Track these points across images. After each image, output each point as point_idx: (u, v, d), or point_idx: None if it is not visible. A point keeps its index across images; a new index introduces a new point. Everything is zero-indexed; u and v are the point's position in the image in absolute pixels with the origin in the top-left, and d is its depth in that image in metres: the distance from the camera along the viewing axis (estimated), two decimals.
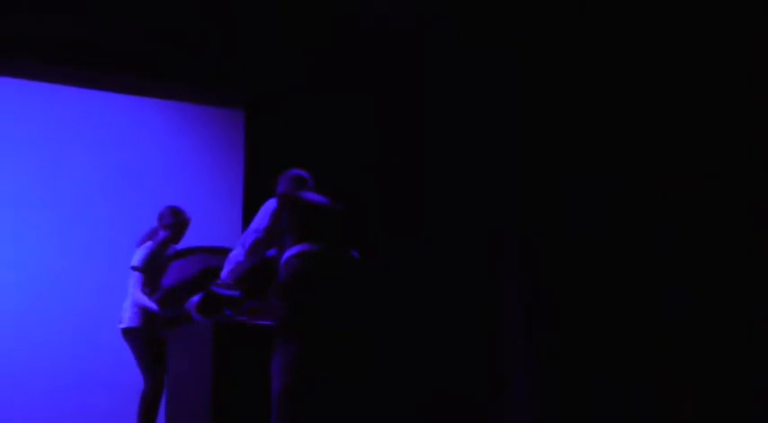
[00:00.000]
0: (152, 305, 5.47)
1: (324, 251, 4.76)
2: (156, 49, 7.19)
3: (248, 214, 7.42)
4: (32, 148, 7.01)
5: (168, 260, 5.55)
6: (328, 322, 4.71)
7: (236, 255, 4.90)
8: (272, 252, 5.00)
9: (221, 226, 7.40)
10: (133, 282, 5.57)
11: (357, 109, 7.65)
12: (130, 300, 5.64)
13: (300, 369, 4.62)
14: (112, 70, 7.24)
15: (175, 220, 5.74)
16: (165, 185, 7.37)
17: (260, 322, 5.00)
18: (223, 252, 5.12)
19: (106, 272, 6.81)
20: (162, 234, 5.74)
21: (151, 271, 5.60)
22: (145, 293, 5.58)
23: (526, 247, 7.34)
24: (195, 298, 4.95)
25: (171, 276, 5.40)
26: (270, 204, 5.06)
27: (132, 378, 5.72)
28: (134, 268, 5.60)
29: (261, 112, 7.64)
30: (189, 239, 6.92)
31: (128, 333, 5.64)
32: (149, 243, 5.72)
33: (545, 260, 7.20)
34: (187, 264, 5.36)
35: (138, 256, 5.65)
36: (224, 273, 4.91)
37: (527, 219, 7.34)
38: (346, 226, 5.01)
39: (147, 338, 5.56)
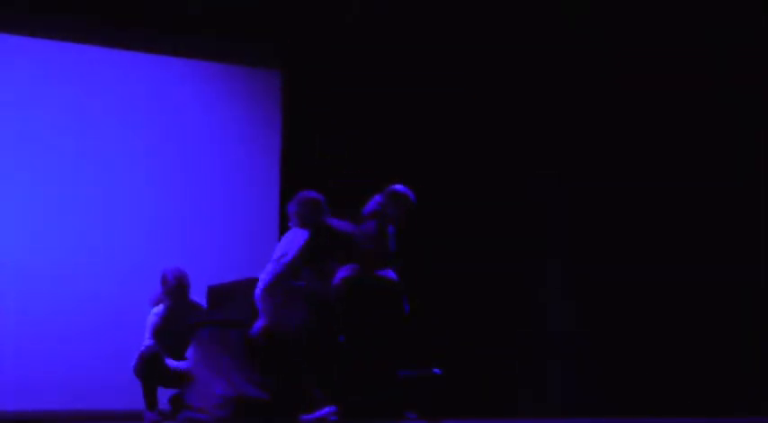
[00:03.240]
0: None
1: (363, 275, 5.08)
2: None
3: (285, 174, 7.55)
4: (68, 108, 7.16)
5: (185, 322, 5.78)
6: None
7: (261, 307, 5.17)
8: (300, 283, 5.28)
9: (259, 192, 7.54)
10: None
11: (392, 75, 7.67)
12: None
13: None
14: (150, 29, 7.35)
15: (175, 286, 5.84)
16: (204, 147, 7.51)
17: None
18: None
19: (145, 229, 7.21)
20: (167, 302, 5.86)
21: (164, 334, 5.82)
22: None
23: None
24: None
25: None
26: (293, 235, 5.20)
27: None
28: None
29: (298, 71, 7.69)
30: (230, 201, 7.25)
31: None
32: (156, 311, 5.87)
33: None
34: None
35: (148, 326, 5.85)
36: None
37: None
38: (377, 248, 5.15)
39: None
